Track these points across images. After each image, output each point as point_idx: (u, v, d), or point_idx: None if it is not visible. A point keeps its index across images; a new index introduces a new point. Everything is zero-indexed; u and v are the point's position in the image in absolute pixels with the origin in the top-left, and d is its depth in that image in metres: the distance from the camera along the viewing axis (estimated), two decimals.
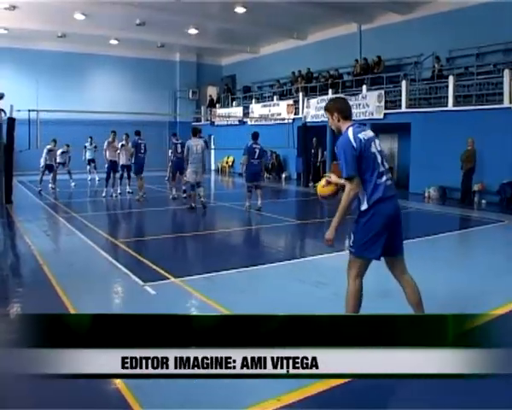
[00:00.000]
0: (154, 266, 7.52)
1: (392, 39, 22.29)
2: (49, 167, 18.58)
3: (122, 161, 16.56)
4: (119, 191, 17.01)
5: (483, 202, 16.51)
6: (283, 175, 26.15)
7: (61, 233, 10.84)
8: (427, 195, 18.06)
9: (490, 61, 18.37)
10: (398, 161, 23.08)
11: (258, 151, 14.02)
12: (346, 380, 3.78)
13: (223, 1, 22.01)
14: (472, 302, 5.98)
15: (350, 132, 4.51)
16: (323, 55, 26.10)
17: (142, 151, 16.40)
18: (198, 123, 31.20)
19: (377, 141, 4.62)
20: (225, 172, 30.40)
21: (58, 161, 19.35)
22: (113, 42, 30.05)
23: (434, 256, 8.75)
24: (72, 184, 19.81)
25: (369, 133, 4.62)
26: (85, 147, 22.35)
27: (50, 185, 18.71)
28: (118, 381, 3.97)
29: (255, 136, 14.24)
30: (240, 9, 23.15)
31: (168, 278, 6.89)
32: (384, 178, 4.51)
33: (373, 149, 4.50)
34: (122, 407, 3.72)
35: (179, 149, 16.06)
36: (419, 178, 18.94)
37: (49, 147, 18.25)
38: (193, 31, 27.69)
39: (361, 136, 4.49)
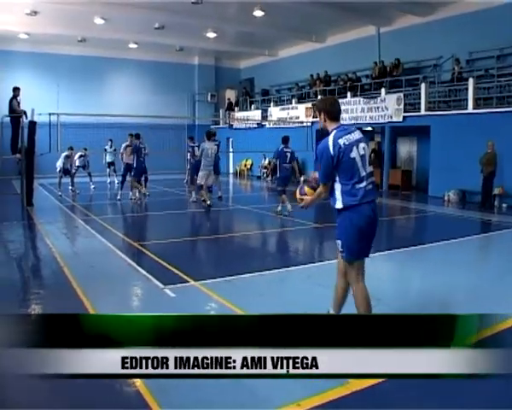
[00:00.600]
0: (174, 269, 7.54)
1: (411, 42, 22.17)
2: (67, 171, 18.81)
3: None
4: (137, 194, 17.15)
5: (503, 205, 16.33)
6: (302, 178, 26.06)
7: (81, 235, 10.91)
8: (446, 198, 17.92)
9: (510, 63, 18.20)
10: (417, 165, 22.94)
11: (289, 155, 14.05)
12: (367, 384, 3.77)
13: (241, 3, 22.07)
14: (492, 307, 5.91)
15: (330, 138, 4.59)
16: (342, 57, 26.05)
17: (143, 155, 16.36)
18: (216, 126, 31.25)
19: (362, 145, 4.63)
20: (244, 176, 30.44)
21: (77, 164, 19.57)
22: (132, 45, 30.26)
23: (454, 260, 8.69)
24: (92, 186, 19.97)
25: (354, 136, 4.62)
26: (105, 150, 22.50)
27: (70, 188, 18.90)
28: (138, 381, 3.99)
29: (285, 140, 14.10)
30: (258, 12, 23.17)
31: (188, 281, 6.90)
32: (364, 183, 4.56)
33: (353, 155, 4.53)
34: (141, 406, 3.75)
35: (196, 152, 16.10)
36: (438, 181, 18.80)
37: (66, 153, 18.47)
38: (211, 34, 27.76)
39: (341, 141, 4.53)
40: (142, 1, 21.58)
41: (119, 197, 16.71)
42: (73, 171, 19.29)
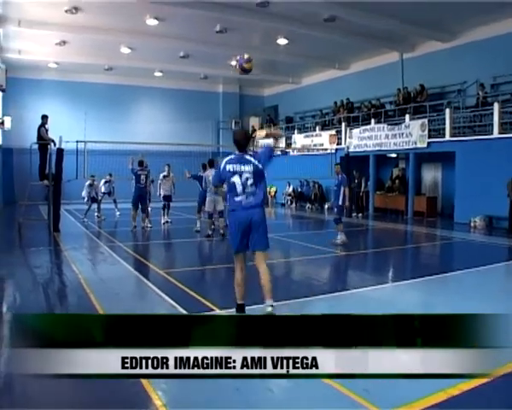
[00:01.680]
0: (199, 297, 7.51)
1: (434, 67, 22.14)
2: (94, 199, 19.12)
3: (164, 191, 17.57)
4: (163, 221, 17.43)
5: None
6: (326, 205, 25.99)
7: (107, 262, 10.96)
8: (472, 224, 17.71)
9: None
10: (442, 191, 22.73)
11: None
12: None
13: (265, 32, 22.32)
14: None
15: (224, 160, 6.38)
16: (365, 84, 26.08)
17: (143, 182, 16.16)
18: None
19: (246, 175, 6.18)
20: (268, 203, 30.37)
21: (103, 191, 19.82)
22: (158, 74, 30.74)
23: (481, 289, 8.50)
24: (118, 213, 20.13)
25: (242, 168, 6.19)
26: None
27: (96, 214, 19.09)
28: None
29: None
30: (282, 41, 23.41)
31: (214, 310, 6.87)
32: (239, 198, 6.23)
33: (232, 180, 6.21)
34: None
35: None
36: (464, 207, 18.60)
37: (88, 182, 18.77)
38: (235, 63, 27.99)
39: (229, 166, 6.25)
40: (168, 31, 21.96)
41: (134, 224, 16.17)
42: (99, 198, 19.53)
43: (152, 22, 20.71)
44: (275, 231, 16.63)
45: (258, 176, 6.27)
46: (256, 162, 6.23)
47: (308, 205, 26.25)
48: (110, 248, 12.53)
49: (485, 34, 19.93)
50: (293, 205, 26.73)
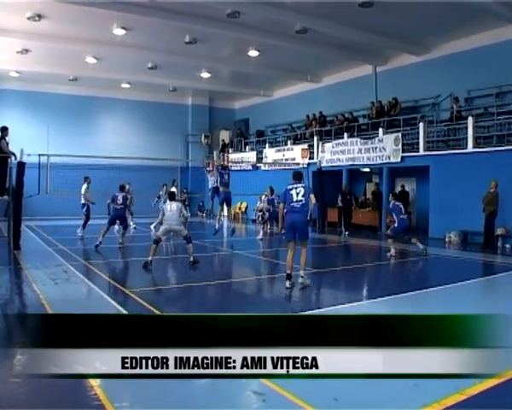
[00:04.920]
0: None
1: (408, 81, 22.46)
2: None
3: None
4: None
5: (507, 246, 16.32)
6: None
7: (70, 281, 10.71)
8: (447, 240, 17.92)
9: (510, 101, 18.43)
10: (416, 206, 22.94)
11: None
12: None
13: (236, 43, 22.38)
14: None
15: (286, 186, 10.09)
16: (338, 97, 26.33)
17: (119, 203, 16.07)
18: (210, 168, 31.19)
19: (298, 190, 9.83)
20: (238, 219, 30.32)
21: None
22: (125, 85, 30.60)
23: (455, 307, 8.50)
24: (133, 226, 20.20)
25: (296, 186, 9.94)
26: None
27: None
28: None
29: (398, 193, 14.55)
30: (253, 52, 23.50)
31: None
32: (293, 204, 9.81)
33: (290, 192, 9.87)
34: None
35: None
36: (439, 222, 18.81)
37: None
38: (205, 74, 28.08)
39: (290, 186, 9.96)
40: (135, 41, 21.84)
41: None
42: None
43: (119, 32, 20.56)
44: (246, 248, 16.60)
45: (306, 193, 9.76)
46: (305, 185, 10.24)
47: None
48: (74, 266, 12.27)
49: (459, 47, 20.31)
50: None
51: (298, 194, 9.68)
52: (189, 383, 4.39)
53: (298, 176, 10.15)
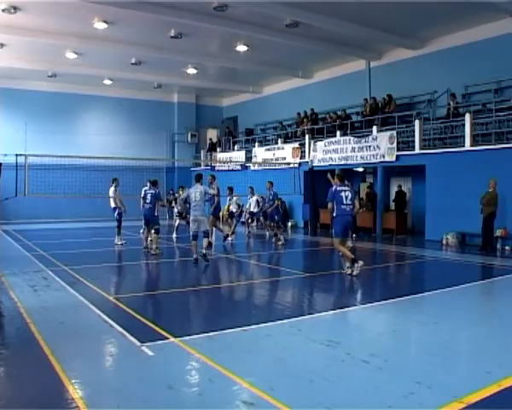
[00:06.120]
0: (151, 324, 7.33)
1: (403, 76, 22.52)
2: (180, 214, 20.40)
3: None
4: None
5: (506, 248, 16.36)
6: (289, 223, 25.94)
7: (50, 288, 10.61)
8: (444, 242, 17.94)
9: (509, 97, 18.45)
10: (411, 206, 22.98)
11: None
12: None
13: (223, 38, 22.32)
14: (497, 361, 5.79)
15: (334, 187, 11.67)
16: (330, 94, 26.36)
17: (148, 202, 16.23)
18: (197, 168, 31.13)
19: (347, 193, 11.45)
20: (226, 220, 30.15)
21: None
22: (107, 82, 30.42)
23: (454, 311, 8.49)
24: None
25: (344, 189, 11.68)
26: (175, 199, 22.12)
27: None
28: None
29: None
30: (241, 48, 23.45)
31: (167, 338, 6.68)
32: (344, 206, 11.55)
33: (340, 194, 11.56)
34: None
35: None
36: (436, 223, 18.81)
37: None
38: (192, 70, 28.01)
39: (339, 188, 11.64)
40: (118, 35, 21.74)
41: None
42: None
43: (100, 25, 20.45)
44: (234, 251, 16.55)
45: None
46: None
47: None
48: (54, 272, 12.17)
49: (457, 41, 20.37)
50: (254, 223, 26.50)
51: (347, 197, 11.43)
52: (177, 394, 4.35)
53: (343, 178, 11.79)
